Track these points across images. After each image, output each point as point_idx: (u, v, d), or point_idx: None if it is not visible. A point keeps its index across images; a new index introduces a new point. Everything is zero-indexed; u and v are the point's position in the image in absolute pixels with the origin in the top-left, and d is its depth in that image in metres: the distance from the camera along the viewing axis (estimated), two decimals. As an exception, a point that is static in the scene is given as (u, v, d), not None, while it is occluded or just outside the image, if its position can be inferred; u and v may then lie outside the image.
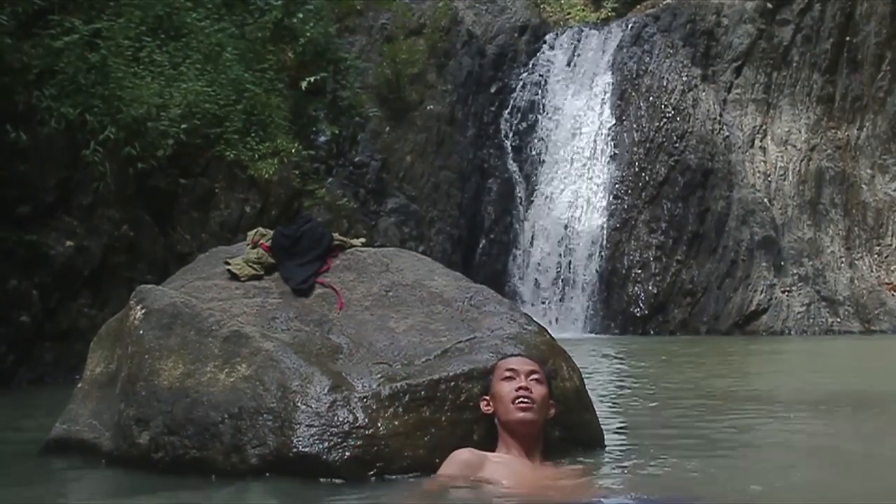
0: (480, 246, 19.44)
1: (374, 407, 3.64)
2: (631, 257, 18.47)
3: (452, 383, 3.78)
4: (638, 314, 18.12)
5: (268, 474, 3.58)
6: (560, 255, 18.93)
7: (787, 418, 6.05)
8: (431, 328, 4.27)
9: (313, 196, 12.97)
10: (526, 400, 3.60)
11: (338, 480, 3.52)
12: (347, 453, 3.53)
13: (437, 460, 3.60)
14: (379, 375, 3.86)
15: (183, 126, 10.35)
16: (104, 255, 9.70)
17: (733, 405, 6.78)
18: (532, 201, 19.67)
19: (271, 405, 3.65)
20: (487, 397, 3.74)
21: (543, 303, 18.71)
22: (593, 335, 17.81)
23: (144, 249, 10.17)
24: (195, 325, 4.01)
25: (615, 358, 12.33)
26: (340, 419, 3.58)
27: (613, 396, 7.60)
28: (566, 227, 19.06)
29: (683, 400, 7.34)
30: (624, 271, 18.43)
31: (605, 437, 4.44)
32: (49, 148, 9.34)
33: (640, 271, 18.34)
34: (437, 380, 3.78)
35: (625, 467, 4.00)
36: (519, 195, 19.83)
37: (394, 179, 18.13)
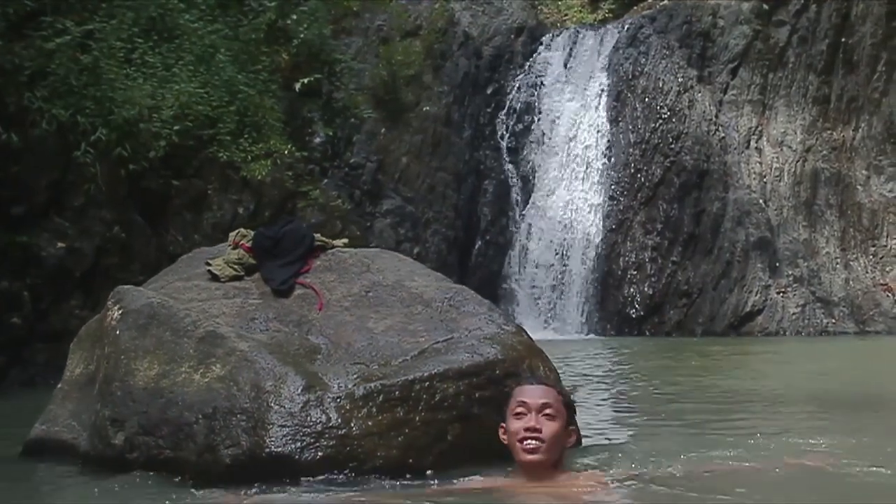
0: (476, 247, 19.43)
1: (348, 407, 3.65)
2: (627, 258, 18.47)
3: (427, 383, 3.79)
4: (634, 315, 18.11)
5: (241, 475, 3.59)
6: (556, 256, 18.93)
7: (779, 420, 6.06)
8: (410, 328, 4.28)
9: (307, 197, 12.96)
10: (533, 442, 3.49)
11: (311, 480, 3.53)
12: (320, 453, 3.54)
13: (410, 460, 3.62)
14: (355, 376, 3.86)
15: (175, 127, 10.36)
16: (96, 256, 9.72)
17: (724, 405, 6.79)
18: (528, 202, 19.66)
19: (245, 405, 3.66)
20: (504, 425, 3.64)
21: (539, 304, 18.71)
22: (589, 336, 17.81)
23: (136, 251, 10.18)
24: (171, 325, 4.02)
25: (608, 359, 12.33)
26: (313, 419, 3.59)
27: (600, 396, 7.61)
28: (562, 228, 19.06)
29: (673, 400, 7.36)
30: (620, 272, 18.43)
31: (584, 436, 4.44)
32: (41, 149, 9.36)
33: (635, 272, 18.33)
34: (412, 380, 3.79)
35: (596, 468, 3.99)
36: (515, 196, 19.82)
37: (389, 181, 18.13)
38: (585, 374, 9.34)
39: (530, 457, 3.48)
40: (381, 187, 17.88)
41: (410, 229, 18.04)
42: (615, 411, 6.97)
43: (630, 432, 5.47)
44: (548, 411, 3.54)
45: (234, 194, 11.72)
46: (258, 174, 11.65)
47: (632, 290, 18.24)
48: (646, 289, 18.19)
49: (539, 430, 3.49)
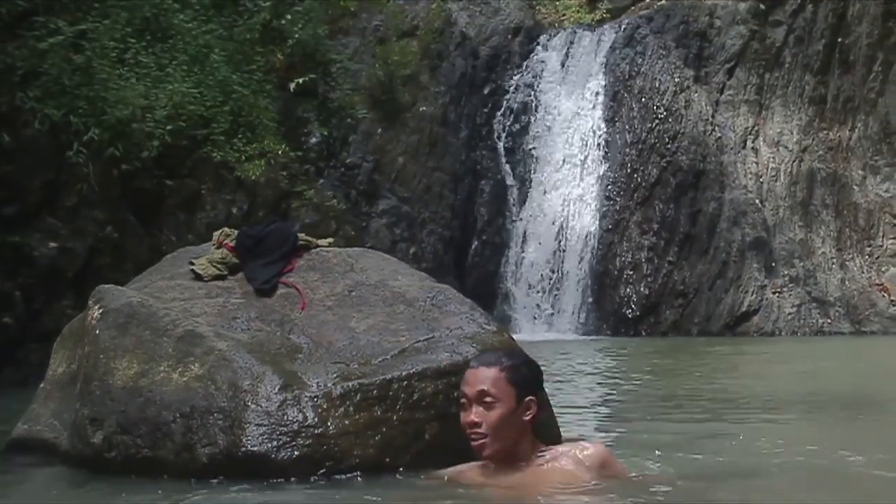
0: (473, 247, 19.43)
1: (325, 406, 3.65)
2: (623, 258, 18.48)
3: (405, 382, 3.78)
4: (630, 315, 18.12)
5: (218, 474, 3.59)
6: (552, 256, 18.95)
7: (768, 420, 6.05)
8: (392, 328, 4.28)
9: (301, 197, 13.00)
10: (475, 438, 3.30)
11: (287, 480, 3.53)
12: (296, 452, 3.54)
13: (387, 459, 3.62)
14: (334, 375, 3.86)
15: (168, 127, 10.38)
16: (89, 256, 9.72)
17: (714, 406, 6.78)
18: (525, 203, 19.68)
19: (222, 404, 3.67)
20: None
21: (536, 304, 18.72)
22: (585, 336, 17.81)
23: (129, 251, 10.18)
24: (150, 324, 4.03)
25: (602, 359, 12.34)
26: (290, 418, 3.60)
27: (590, 396, 7.62)
28: (559, 228, 19.07)
29: (664, 400, 7.36)
30: (616, 272, 18.44)
31: (566, 436, 4.44)
32: (33, 149, 9.37)
33: (631, 272, 18.35)
34: (390, 379, 3.78)
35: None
36: (511, 197, 19.83)
37: (386, 181, 18.14)
38: (579, 374, 9.37)
39: (477, 452, 3.32)
40: (377, 187, 17.88)
41: (406, 229, 18.04)
42: (603, 411, 6.96)
43: (615, 432, 5.48)
44: (486, 399, 3.28)
45: (227, 194, 11.74)
46: (252, 174, 11.67)
47: (628, 290, 18.25)
48: (642, 289, 18.21)
49: (478, 424, 3.28)
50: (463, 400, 3.35)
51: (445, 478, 3.49)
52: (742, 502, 3.59)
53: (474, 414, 3.28)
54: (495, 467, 3.37)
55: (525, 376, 3.39)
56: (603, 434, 5.33)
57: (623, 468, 3.44)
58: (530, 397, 3.36)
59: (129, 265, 10.02)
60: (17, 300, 9.14)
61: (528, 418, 3.34)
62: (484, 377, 3.32)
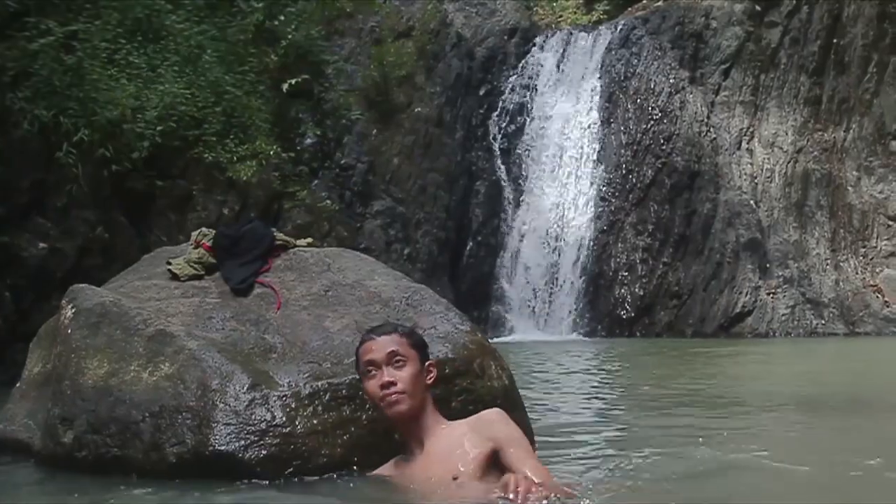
0: (468, 248, 19.44)
1: (293, 405, 3.66)
2: (618, 259, 18.49)
3: (374, 382, 3.78)
4: (624, 316, 18.13)
5: (186, 473, 3.60)
6: (547, 257, 18.96)
7: (755, 420, 6.05)
8: (366, 327, 4.28)
9: (294, 198, 13.00)
10: (393, 395, 3.35)
11: (255, 479, 3.54)
12: (264, 452, 3.54)
13: (355, 459, 3.62)
14: (306, 374, 3.87)
15: (159, 128, 10.40)
16: (78, 256, 9.74)
17: (700, 407, 6.77)
18: (520, 203, 19.71)
19: (191, 404, 3.67)
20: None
21: (531, 305, 18.72)
22: (580, 337, 17.83)
23: (119, 251, 10.18)
24: (122, 324, 4.03)
25: (594, 360, 12.34)
26: (258, 418, 3.60)
27: (578, 397, 7.62)
28: (554, 229, 19.08)
29: (651, 401, 7.35)
30: (611, 273, 18.46)
31: (540, 437, 4.44)
32: (23, 150, 9.39)
33: (626, 273, 18.36)
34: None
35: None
36: (507, 197, 19.86)
37: (380, 182, 18.14)
38: (572, 375, 9.37)
39: (395, 409, 3.35)
40: (371, 188, 17.88)
41: (401, 230, 18.04)
42: (595, 411, 6.96)
43: (608, 432, 5.48)
44: (397, 359, 3.40)
45: (219, 195, 11.74)
46: (244, 175, 11.66)
47: (623, 291, 18.26)
48: (637, 290, 18.21)
49: (394, 383, 3.36)
50: (370, 368, 3.43)
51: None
52: (731, 502, 3.58)
53: (387, 375, 3.37)
54: (406, 453, 3.43)
55: (421, 340, 3.57)
56: (595, 434, 5.32)
57: (514, 428, 3.37)
58: (429, 361, 3.53)
59: (118, 266, 9.93)
60: (7, 300, 9.16)
61: (430, 382, 3.48)
62: (390, 341, 3.46)
